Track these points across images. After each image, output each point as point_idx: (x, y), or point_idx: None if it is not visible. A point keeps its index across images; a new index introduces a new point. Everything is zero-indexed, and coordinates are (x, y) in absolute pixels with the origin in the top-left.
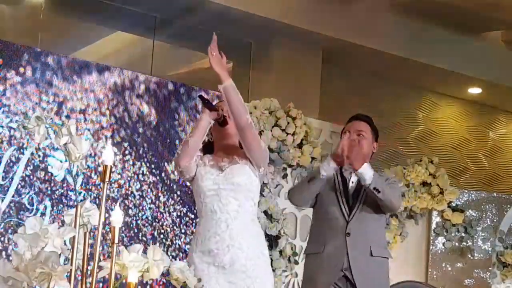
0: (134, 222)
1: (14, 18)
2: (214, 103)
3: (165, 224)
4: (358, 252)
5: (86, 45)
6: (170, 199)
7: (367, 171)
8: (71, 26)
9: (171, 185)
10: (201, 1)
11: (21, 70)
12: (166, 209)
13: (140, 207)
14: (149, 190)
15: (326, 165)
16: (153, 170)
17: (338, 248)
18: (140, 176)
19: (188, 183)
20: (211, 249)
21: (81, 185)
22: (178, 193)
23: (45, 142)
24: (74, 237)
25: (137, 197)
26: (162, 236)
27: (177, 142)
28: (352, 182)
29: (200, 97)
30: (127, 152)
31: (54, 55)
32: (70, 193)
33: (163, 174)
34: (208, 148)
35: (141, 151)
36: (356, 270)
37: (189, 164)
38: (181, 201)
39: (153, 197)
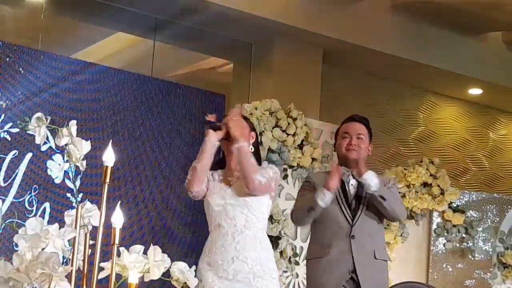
0: None
1: (14, 19)
2: (216, 122)
3: None
4: (363, 255)
5: (87, 46)
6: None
7: (372, 178)
8: (72, 27)
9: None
10: (201, 2)
11: (22, 70)
12: None
13: None
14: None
15: (321, 196)
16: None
17: (343, 251)
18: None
19: None
20: (215, 260)
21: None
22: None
23: (43, 147)
24: (74, 238)
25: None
26: None
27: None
28: (352, 185)
29: (204, 121)
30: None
31: (55, 56)
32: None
33: None
34: (220, 163)
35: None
36: (361, 273)
37: (200, 188)
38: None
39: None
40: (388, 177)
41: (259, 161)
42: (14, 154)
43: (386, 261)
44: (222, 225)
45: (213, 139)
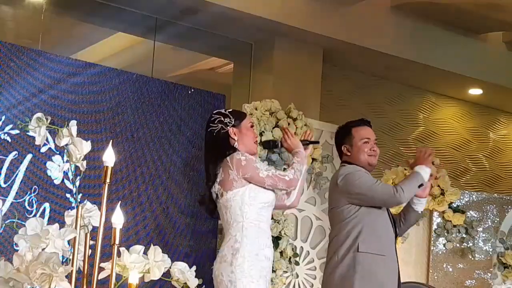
0: None
1: (15, 19)
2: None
3: None
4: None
5: (87, 46)
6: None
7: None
8: (72, 27)
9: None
10: (201, 2)
11: (21, 71)
12: None
13: None
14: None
15: (425, 174)
16: None
17: (394, 253)
18: None
19: None
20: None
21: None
22: None
23: (43, 149)
24: (75, 238)
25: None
26: None
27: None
28: None
29: (270, 144)
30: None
31: (55, 56)
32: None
33: None
34: (224, 152)
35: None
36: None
37: None
38: None
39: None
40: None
41: None
42: (14, 155)
43: None
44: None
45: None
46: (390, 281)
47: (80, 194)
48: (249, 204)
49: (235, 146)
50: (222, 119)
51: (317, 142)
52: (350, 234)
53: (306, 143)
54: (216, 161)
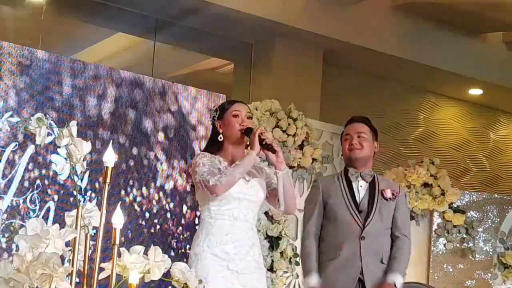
0: None
1: (15, 20)
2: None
3: None
4: (371, 257)
5: (87, 47)
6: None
7: (399, 282)
8: (72, 27)
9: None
10: (202, 2)
11: (22, 71)
12: None
13: None
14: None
15: (309, 281)
16: None
17: (354, 253)
18: None
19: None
20: (227, 252)
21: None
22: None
23: (49, 138)
24: (75, 238)
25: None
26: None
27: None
28: (361, 186)
29: (249, 131)
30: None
31: (55, 56)
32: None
33: None
34: (213, 147)
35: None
36: (368, 275)
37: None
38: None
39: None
40: (397, 185)
41: None
42: (14, 147)
43: None
44: (236, 217)
45: (257, 153)
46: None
47: (90, 191)
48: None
49: (219, 138)
50: (214, 113)
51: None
52: None
53: (267, 147)
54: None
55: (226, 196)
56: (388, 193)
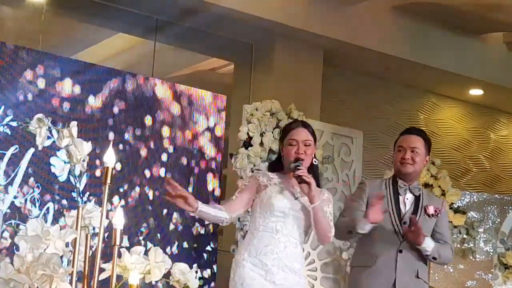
0: None
1: (15, 20)
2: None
3: None
4: (406, 271)
5: (88, 47)
6: None
7: (428, 245)
8: (73, 28)
9: None
10: (202, 2)
11: (22, 71)
12: None
13: None
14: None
15: (362, 226)
16: None
17: (390, 264)
18: None
19: None
20: (265, 263)
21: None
22: None
23: (47, 142)
24: (75, 239)
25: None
26: None
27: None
28: (407, 199)
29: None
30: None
31: (55, 56)
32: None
33: None
34: (275, 166)
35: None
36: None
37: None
38: None
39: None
40: (440, 200)
41: (317, 178)
42: (14, 150)
43: (427, 283)
44: (278, 230)
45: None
46: None
47: (87, 193)
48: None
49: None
50: (280, 134)
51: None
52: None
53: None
54: None
55: (273, 209)
56: (431, 210)
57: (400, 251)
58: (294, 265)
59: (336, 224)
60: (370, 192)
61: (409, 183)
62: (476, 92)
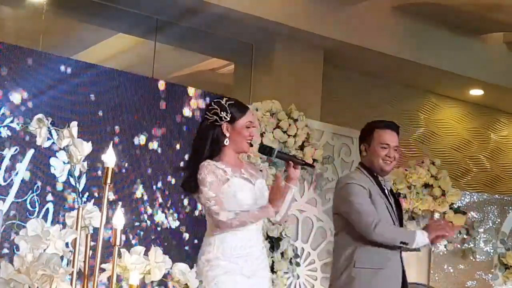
0: None
1: (15, 20)
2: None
3: None
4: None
5: (88, 47)
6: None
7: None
8: (73, 28)
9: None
10: (202, 3)
11: (23, 72)
12: None
13: None
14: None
15: (421, 240)
16: None
17: (397, 264)
18: None
19: None
20: (240, 257)
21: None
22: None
23: (47, 143)
24: (75, 239)
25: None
26: None
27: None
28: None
29: (264, 150)
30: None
31: (56, 57)
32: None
33: None
34: (215, 151)
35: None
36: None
37: None
38: None
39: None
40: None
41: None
42: (14, 151)
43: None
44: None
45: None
46: None
47: (86, 193)
48: None
49: (225, 142)
50: (219, 112)
51: (312, 166)
52: (350, 245)
53: (302, 163)
54: (201, 154)
55: (241, 206)
56: (403, 202)
57: (400, 251)
58: (264, 252)
59: (378, 225)
60: (369, 189)
61: (384, 177)
62: (476, 92)
